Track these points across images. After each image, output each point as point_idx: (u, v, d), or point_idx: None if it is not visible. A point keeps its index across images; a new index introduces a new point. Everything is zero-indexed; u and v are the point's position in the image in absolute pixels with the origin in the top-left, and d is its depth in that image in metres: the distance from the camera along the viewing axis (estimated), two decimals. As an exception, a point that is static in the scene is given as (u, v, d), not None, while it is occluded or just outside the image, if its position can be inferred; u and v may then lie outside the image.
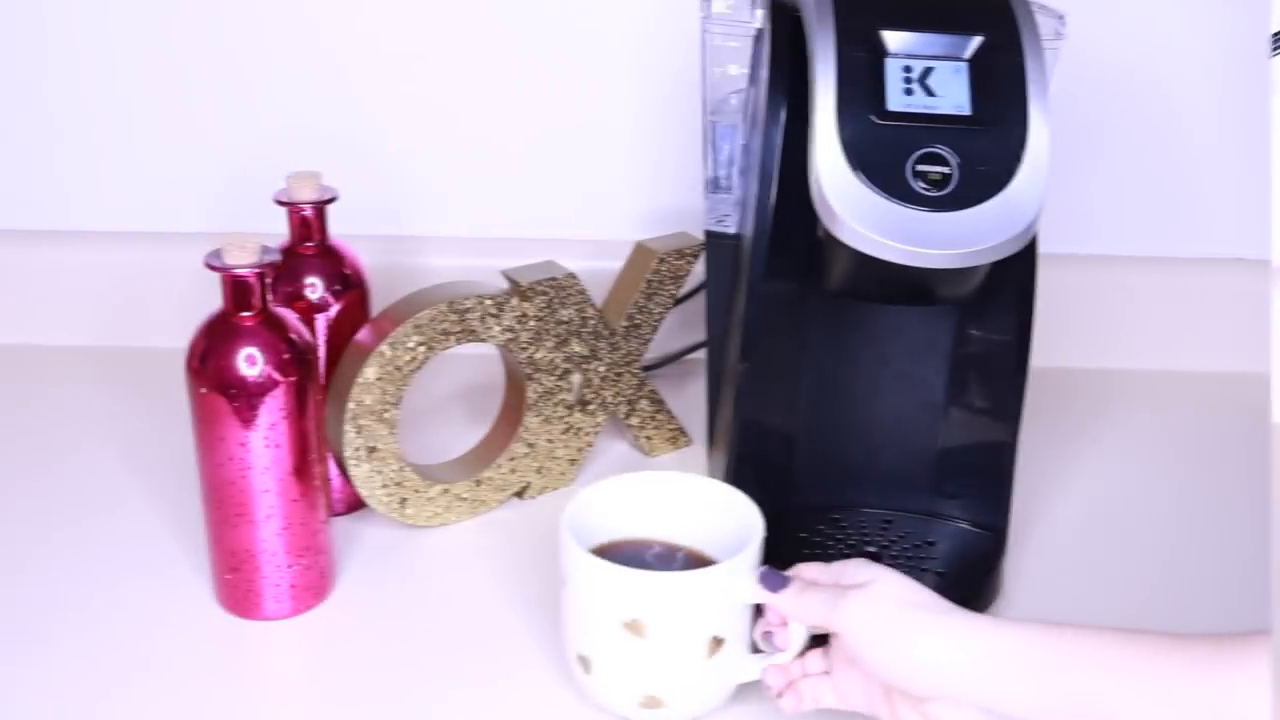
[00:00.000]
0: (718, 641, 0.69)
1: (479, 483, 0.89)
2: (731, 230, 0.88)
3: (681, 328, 1.08)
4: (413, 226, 1.15)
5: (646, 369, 0.98)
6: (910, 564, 0.82)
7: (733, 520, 0.73)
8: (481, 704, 0.73)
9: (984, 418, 0.84)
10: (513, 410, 0.91)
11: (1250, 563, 0.88)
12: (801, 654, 0.69)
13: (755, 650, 0.71)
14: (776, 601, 0.67)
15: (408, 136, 1.12)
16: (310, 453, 0.77)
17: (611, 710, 0.71)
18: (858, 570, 0.66)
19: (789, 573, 0.69)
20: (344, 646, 0.78)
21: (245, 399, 0.73)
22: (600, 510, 0.74)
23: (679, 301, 0.97)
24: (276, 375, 0.74)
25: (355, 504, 0.88)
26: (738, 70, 0.85)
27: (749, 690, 0.72)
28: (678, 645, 0.69)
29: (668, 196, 1.13)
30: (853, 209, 0.68)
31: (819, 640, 0.69)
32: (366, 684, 0.74)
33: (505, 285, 0.87)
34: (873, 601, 0.63)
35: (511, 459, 0.90)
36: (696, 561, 0.74)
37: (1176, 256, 1.15)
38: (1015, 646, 0.60)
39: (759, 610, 0.70)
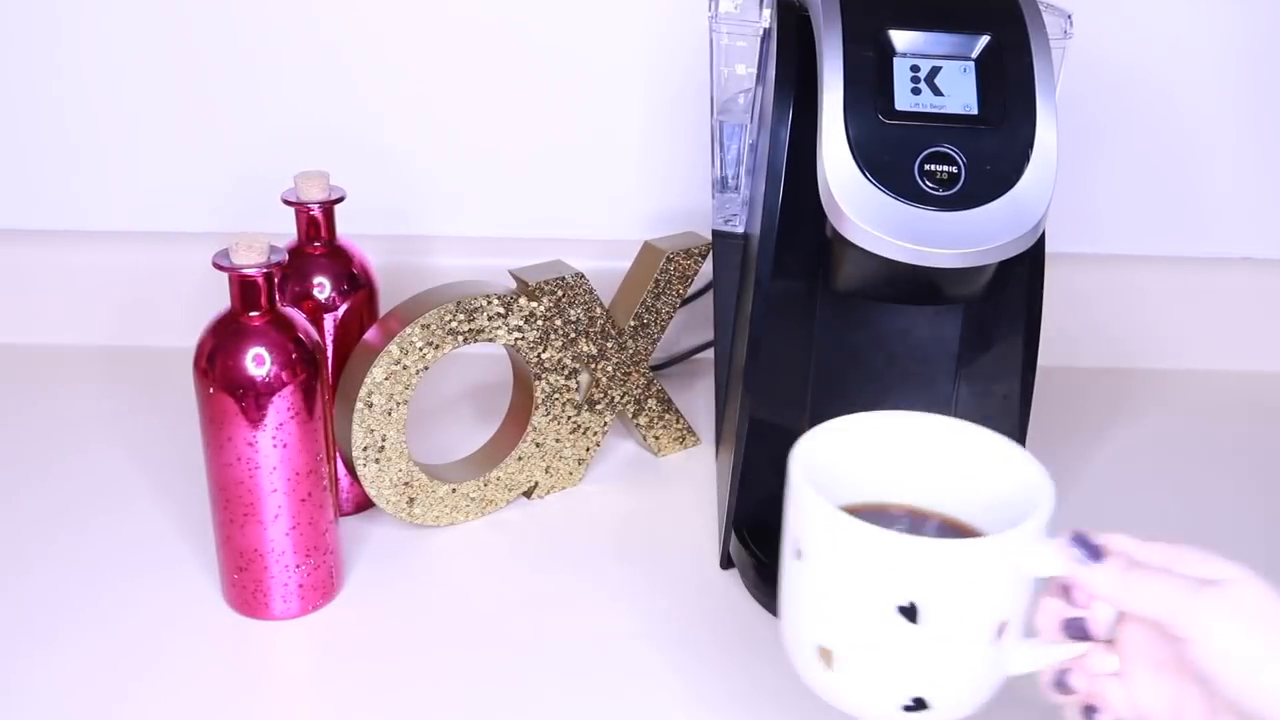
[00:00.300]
0: (1002, 627, 0.56)
1: (487, 482, 0.89)
2: (739, 230, 0.88)
3: (689, 327, 1.09)
4: (420, 226, 1.15)
5: (654, 368, 0.98)
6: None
7: (998, 478, 0.61)
8: (490, 704, 0.73)
9: (991, 417, 0.84)
10: (520, 410, 0.91)
11: (1261, 560, 0.87)
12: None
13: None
14: (1093, 577, 0.54)
15: (415, 136, 1.12)
16: (318, 452, 0.77)
17: (859, 714, 0.59)
18: (1203, 562, 0.53)
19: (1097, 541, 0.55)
20: (352, 646, 0.78)
21: (253, 399, 0.73)
22: (827, 461, 0.61)
23: (686, 301, 0.97)
24: (284, 375, 0.74)
25: (363, 504, 0.89)
26: (745, 70, 0.85)
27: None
28: (961, 633, 0.56)
29: (675, 196, 1.13)
30: (860, 208, 0.68)
31: None
32: (374, 684, 0.74)
33: (513, 285, 0.87)
34: (1246, 609, 0.51)
35: (519, 458, 0.90)
36: (955, 531, 0.62)
37: (1184, 255, 1.15)
38: None
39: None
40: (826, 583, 0.56)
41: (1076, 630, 0.56)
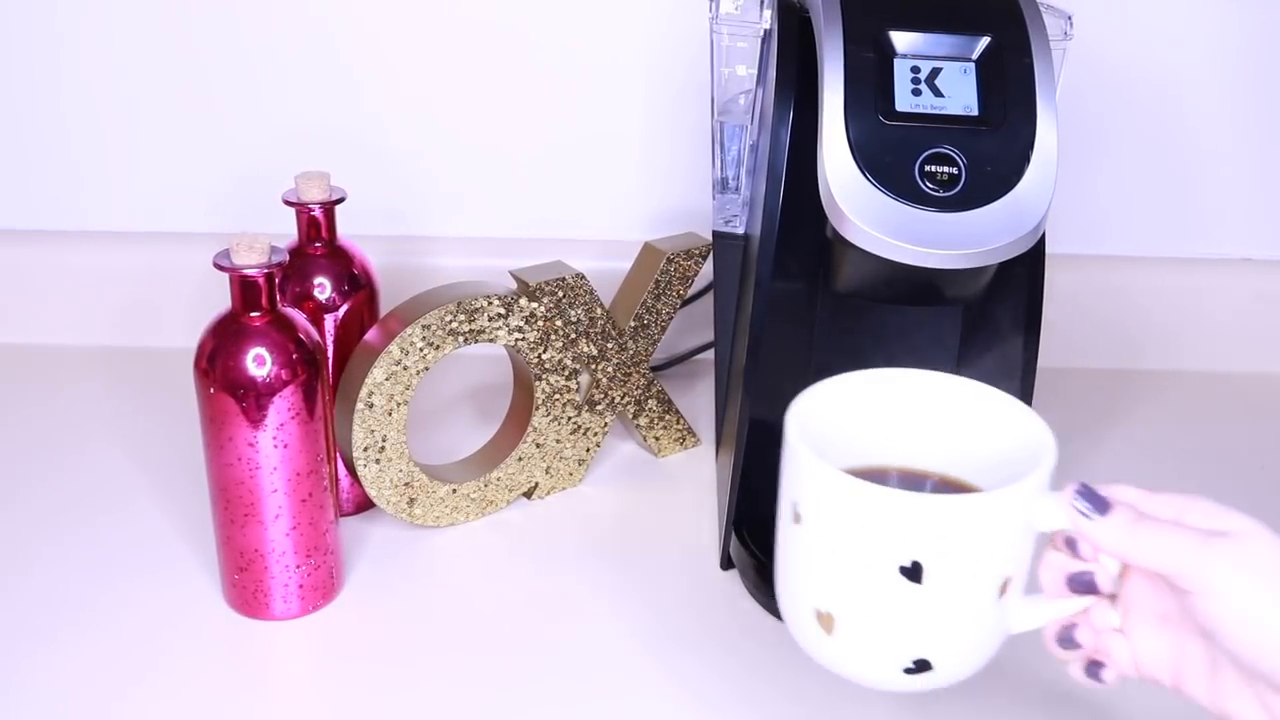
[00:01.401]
0: (1006, 584, 0.55)
1: (487, 483, 0.89)
2: (739, 230, 0.88)
3: (689, 328, 1.09)
4: (421, 227, 1.15)
5: (655, 369, 0.98)
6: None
7: (997, 434, 0.60)
8: (489, 704, 0.73)
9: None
10: (521, 410, 0.91)
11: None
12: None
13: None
14: (1099, 531, 0.53)
15: (416, 136, 1.12)
16: (319, 453, 0.77)
17: (862, 680, 0.58)
18: (1212, 513, 0.52)
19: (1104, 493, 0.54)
20: (352, 647, 0.78)
21: (254, 399, 0.73)
22: (822, 422, 0.59)
23: (687, 302, 0.97)
24: (285, 375, 0.74)
25: (364, 504, 0.89)
26: (746, 71, 0.85)
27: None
28: (964, 591, 0.55)
29: (676, 197, 1.13)
30: (861, 209, 0.68)
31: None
32: (375, 684, 0.75)
33: (513, 285, 0.87)
34: (1254, 561, 0.50)
35: (520, 459, 0.90)
36: (954, 490, 0.60)
37: (1184, 256, 1.15)
38: None
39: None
40: (826, 545, 0.55)
41: (1083, 585, 0.55)
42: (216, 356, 0.74)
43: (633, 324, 0.93)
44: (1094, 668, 0.56)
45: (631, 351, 0.93)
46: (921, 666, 0.56)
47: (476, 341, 0.85)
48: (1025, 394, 0.82)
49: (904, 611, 0.54)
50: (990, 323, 0.82)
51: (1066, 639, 0.56)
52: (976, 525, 0.54)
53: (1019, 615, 0.56)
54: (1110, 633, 0.55)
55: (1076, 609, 0.56)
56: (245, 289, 0.73)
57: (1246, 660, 0.50)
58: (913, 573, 0.53)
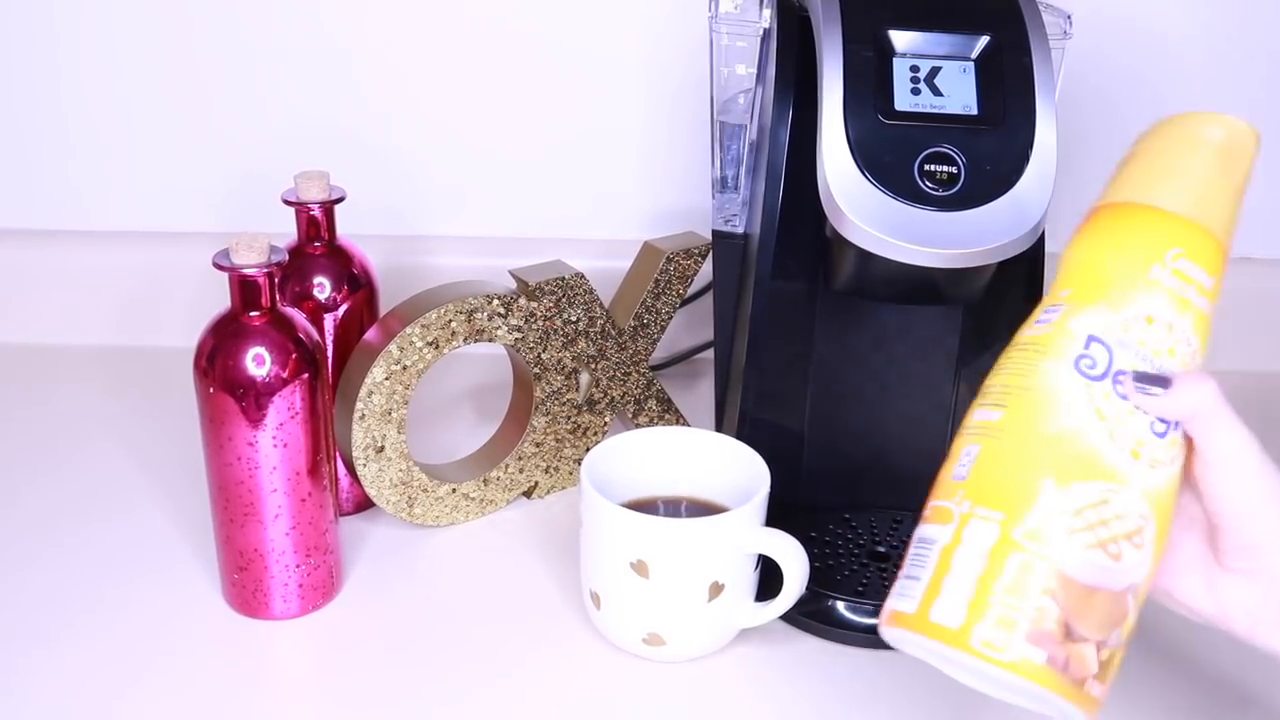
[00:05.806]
0: (718, 587, 0.74)
1: (487, 482, 0.90)
2: (739, 230, 0.88)
3: (689, 327, 1.09)
4: (420, 226, 1.15)
5: (654, 368, 0.98)
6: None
7: (743, 474, 0.78)
8: (490, 703, 0.73)
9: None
10: (520, 410, 0.91)
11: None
12: None
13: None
14: (1169, 402, 0.60)
15: (416, 136, 1.12)
16: (318, 452, 0.77)
17: (618, 644, 0.77)
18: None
19: None
20: (352, 646, 0.78)
21: (253, 399, 0.73)
22: (619, 461, 0.80)
23: (686, 301, 0.97)
24: (284, 375, 0.74)
25: (363, 503, 0.89)
26: (745, 70, 0.85)
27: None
28: (678, 588, 0.74)
29: (675, 196, 1.13)
30: (860, 208, 0.69)
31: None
32: (374, 684, 0.75)
33: (513, 285, 0.87)
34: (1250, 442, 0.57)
35: (519, 458, 0.90)
36: (705, 511, 0.78)
37: (1185, 255, 1.15)
38: None
39: (762, 558, 0.76)
40: (593, 543, 0.76)
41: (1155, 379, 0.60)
42: (216, 356, 0.74)
43: (632, 323, 0.93)
44: None
45: (631, 351, 0.93)
46: (655, 640, 0.75)
47: (476, 341, 0.85)
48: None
49: (634, 595, 0.74)
50: (990, 322, 0.82)
51: None
52: (681, 541, 0.73)
53: (743, 613, 0.76)
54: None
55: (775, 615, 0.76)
56: (245, 288, 0.73)
57: (1226, 528, 0.56)
58: (638, 567, 0.73)
